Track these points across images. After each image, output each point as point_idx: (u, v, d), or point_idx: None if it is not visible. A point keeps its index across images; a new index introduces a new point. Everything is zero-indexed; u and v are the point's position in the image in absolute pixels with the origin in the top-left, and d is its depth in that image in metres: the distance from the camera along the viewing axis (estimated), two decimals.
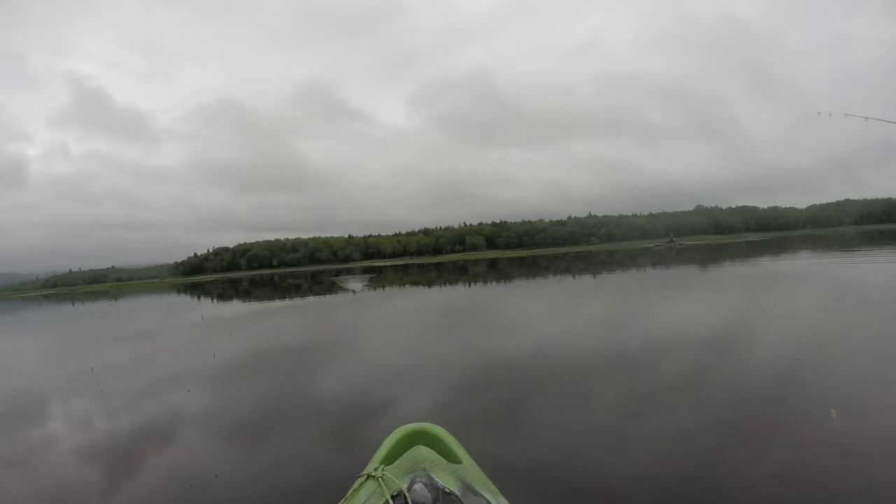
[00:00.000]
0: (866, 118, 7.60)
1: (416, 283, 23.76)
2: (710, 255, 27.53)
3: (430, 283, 22.89)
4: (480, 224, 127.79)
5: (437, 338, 8.03)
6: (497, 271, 29.41)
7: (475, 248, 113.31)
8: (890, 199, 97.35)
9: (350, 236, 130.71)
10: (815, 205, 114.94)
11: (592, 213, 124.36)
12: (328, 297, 19.76)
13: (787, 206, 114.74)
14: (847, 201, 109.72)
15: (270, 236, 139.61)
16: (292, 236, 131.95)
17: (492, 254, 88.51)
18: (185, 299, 28.07)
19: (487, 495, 1.67)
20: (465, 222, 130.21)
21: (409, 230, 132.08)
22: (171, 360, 7.80)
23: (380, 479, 1.65)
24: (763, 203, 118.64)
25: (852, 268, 13.86)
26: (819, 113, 8.24)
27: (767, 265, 17.78)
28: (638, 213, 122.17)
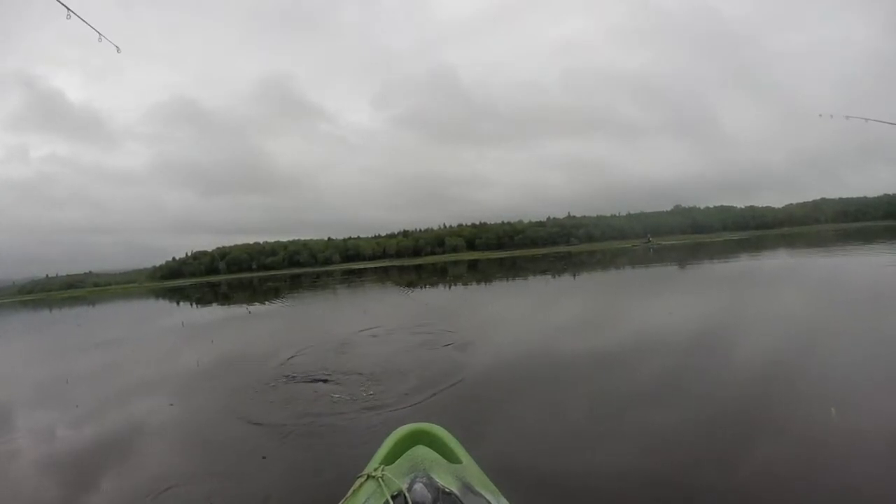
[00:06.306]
0: (866, 119, 7.48)
1: (398, 285, 23.67)
2: (687, 254, 28.03)
3: (410, 285, 22.81)
4: (460, 225, 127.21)
5: (431, 338, 7.94)
6: (478, 272, 29.46)
7: (455, 249, 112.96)
8: (865, 198, 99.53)
9: (329, 238, 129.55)
10: (791, 204, 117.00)
11: (571, 214, 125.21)
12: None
13: (764, 205, 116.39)
14: (823, 200, 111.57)
15: (247, 239, 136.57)
16: (271, 239, 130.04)
17: (472, 255, 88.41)
18: (164, 304, 27.50)
19: (487, 495, 1.69)
20: (444, 224, 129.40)
21: (389, 232, 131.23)
22: (151, 369, 7.39)
23: (380, 479, 1.65)
24: (740, 202, 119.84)
25: (829, 262, 14.26)
26: (820, 115, 8.11)
27: (744, 263, 18.21)
28: (617, 214, 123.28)
